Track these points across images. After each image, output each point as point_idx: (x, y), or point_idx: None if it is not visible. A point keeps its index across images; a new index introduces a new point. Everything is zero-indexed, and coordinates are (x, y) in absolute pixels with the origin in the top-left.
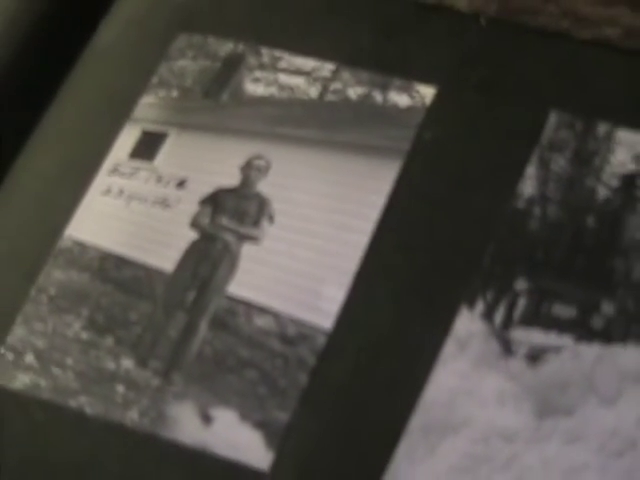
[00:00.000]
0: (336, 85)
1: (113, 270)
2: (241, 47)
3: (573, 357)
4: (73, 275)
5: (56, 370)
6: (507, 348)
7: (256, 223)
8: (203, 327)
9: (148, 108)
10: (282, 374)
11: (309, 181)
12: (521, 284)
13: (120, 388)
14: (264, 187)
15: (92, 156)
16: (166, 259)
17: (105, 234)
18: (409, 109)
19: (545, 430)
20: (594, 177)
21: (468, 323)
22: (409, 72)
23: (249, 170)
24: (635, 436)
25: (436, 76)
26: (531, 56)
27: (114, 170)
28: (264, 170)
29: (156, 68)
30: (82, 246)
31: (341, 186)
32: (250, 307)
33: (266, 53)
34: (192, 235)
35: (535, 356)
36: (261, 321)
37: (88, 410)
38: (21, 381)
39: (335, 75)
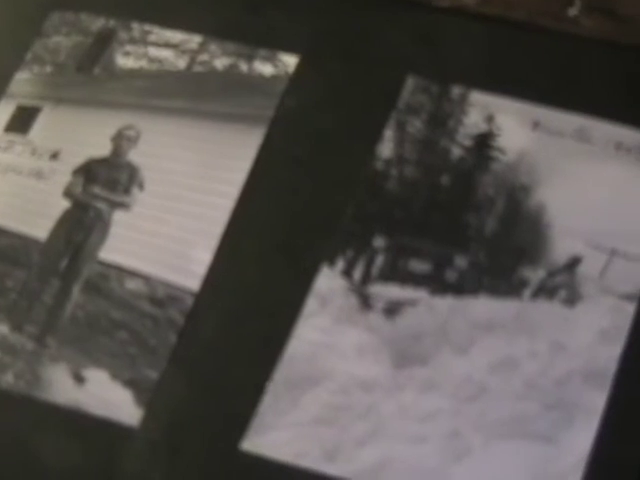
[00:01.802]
0: (203, 57)
1: None
2: (112, 22)
3: (428, 309)
4: None
5: None
6: (366, 303)
7: (127, 191)
8: (76, 292)
9: (23, 84)
10: (152, 334)
11: (178, 149)
12: (379, 242)
13: None
14: (134, 156)
15: None
16: (41, 228)
17: None
18: (273, 78)
19: (401, 379)
20: (448, 138)
21: (329, 280)
22: (273, 43)
23: (120, 140)
24: (486, 381)
25: (299, 46)
26: (390, 25)
27: None
28: (134, 140)
29: (30, 45)
30: None
31: (208, 153)
32: (121, 271)
33: (136, 27)
34: (65, 204)
35: (392, 309)
36: (132, 284)
37: None
38: None
39: (202, 47)
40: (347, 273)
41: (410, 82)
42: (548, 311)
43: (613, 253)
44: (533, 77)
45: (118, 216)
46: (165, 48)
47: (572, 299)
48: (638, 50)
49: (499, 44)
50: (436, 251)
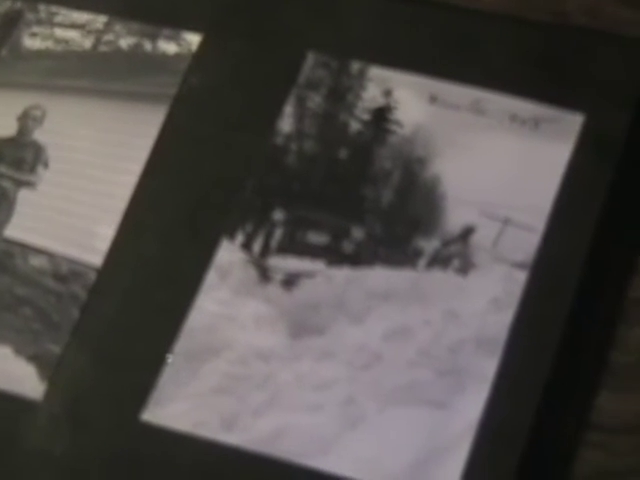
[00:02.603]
0: (108, 37)
1: None
2: (19, 4)
3: (325, 280)
4: None
5: None
6: (264, 275)
7: (32, 169)
8: None
9: None
10: (55, 310)
11: (82, 128)
12: (278, 215)
13: None
14: (40, 135)
15: None
16: None
17: None
18: (176, 56)
19: (298, 349)
20: (347, 112)
21: (229, 253)
22: (177, 22)
23: (25, 120)
24: (381, 350)
25: (202, 24)
26: (291, 2)
27: None
28: (39, 119)
29: None
30: None
31: (112, 132)
32: (25, 248)
33: (43, 9)
34: None
35: (290, 281)
36: (36, 261)
37: None
38: None
39: (107, 27)
40: (247, 246)
41: (310, 58)
42: (442, 280)
43: (506, 222)
44: (431, 52)
45: (23, 194)
46: (71, 29)
47: (465, 268)
48: (534, 25)
49: (398, 19)
50: (333, 223)
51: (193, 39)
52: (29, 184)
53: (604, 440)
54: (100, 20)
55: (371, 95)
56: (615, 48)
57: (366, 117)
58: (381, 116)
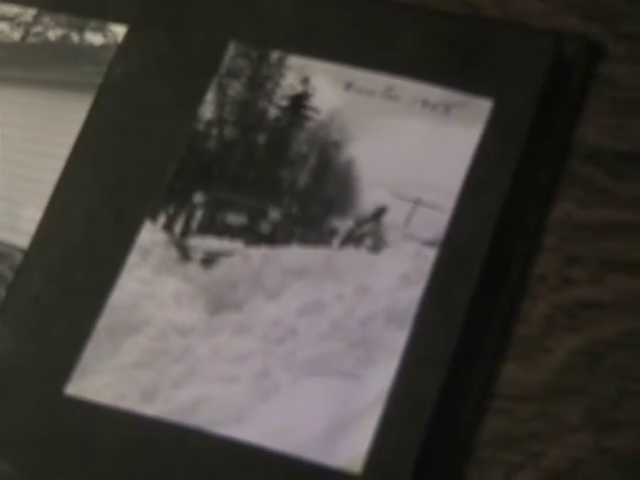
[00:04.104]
0: (37, 29)
1: None
2: None
3: (243, 259)
4: None
5: None
6: (185, 255)
7: None
8: None
9: None
10: None
11: (12, 116)
12: (199, 197)
13: None
14: None
15: None
16: None
17: None
18: (102, 47)
19: (216, 324)
20: (266, 99)
21: (151, 234)
22: (104, 14)
23: None
24: (295, 324)
25: (128, 16)
26: None
27: None
28: None
29: None
30: None
31: (40, 119)
32: None
33: None
34: None
35: (209, 260)
36: None
37: None
38: None
39: (36, 19)
40: (168, 227)
41: (231, 48)
42: (355, 258)
43: (417, 203)
44: (347, 40)
45: None
46: (1, 21)
47: (377, 246)
48: (445, 14)
49: (316, 10)
50: (252, 205)
51: (119, 30)
52: None
53: (507, 407)
54: (29, 13)
55: (289, 83)
56: (522, 37)
57: (284, 104)
58: (298, 103)
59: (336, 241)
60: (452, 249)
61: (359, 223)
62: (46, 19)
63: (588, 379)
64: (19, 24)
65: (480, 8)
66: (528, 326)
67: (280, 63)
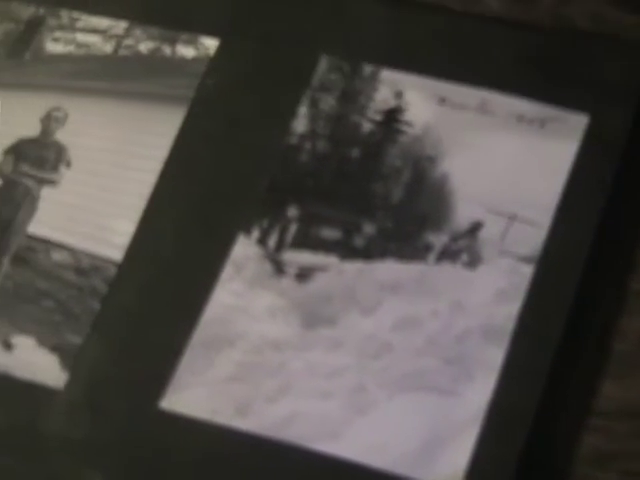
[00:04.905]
0: (129, 41)
1: None
2: (42, 10)
3: (337, 274)
4: None
5: None
6: (279, 269)
7: (54, 168)
8: (5, 264)
9: None
10: (76, 302)
11: (103, 129)
12: (292, 211)
13: None
14: (62, 136)
15: None
16: None
17: None
18: (194, 60)
19: (310, 339)
20: (359, 113)
21: (244, 248)
22: (195, 27)
23: (48, 121)
24: (390, 340)
25: (219, 29)
26: (304, 7)
27: None
28: (62, 120)
29: None
30: None
31: (132, 131)
32: (48, 244)
33: (65, 15)
34: None
35: (304, 275)
36: (58, 256)
37: None
38: None
39: (128, 32)
40: (262, 241)
41: (323, 61)
42: (450, 273)
43: (512, 218)
44: (440, 55)
45: (46, 192)
46: (92, 34)
47: (473, 262)
48: (538, 28)
49: (408, 24)
50: (346, 219)
51: (210, 43)
52: (51, 182)
53: (605, 425)
54: (121, 25)
55: (382, 97)
56: (617, 51)
57: (377, 118)
58: (392, 117)
59: (431, 256)
60: (548, 265)
61: (454, 238)
62: (137, 32)
63: None
64: (111, 37)
65: (574, 21)
66: (625, 342)
67: (373, 77)
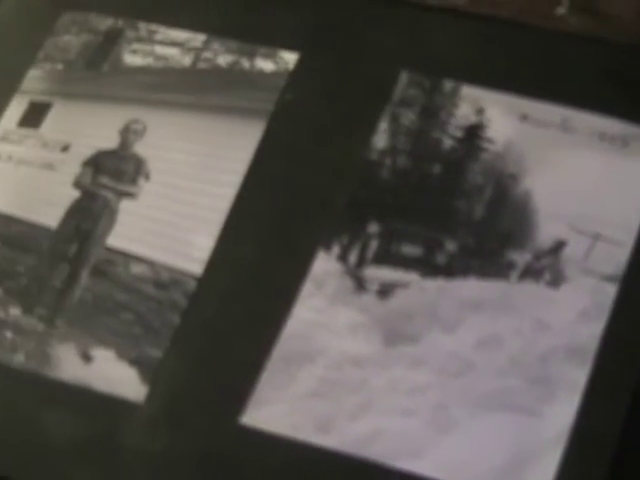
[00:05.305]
0: (207, 54)
1: (2, 228)
2: (120, 22)
3: (419, 291)
4: None
5: None
6: (360, 285)
7: (133, 181)
8: (84, 276)
9: (35, 81)
10: (156, 316)
11: (182, 142)
12: (373, 227)
13: (8, 334)
14: (140, 148)
15: None
16: (51, 216)
17: None
18: (273, 74)
19: (392, 356)
20: (440, 129)
21: (325, 264)
22: (274, 40)
23: (127, 133)
24: (472, 358)
25: (298, 43)
26: (385, 22)
27: (4, 138)
28: (140, 133)
29: (42, 43)
30: None
31: (211, 145)
32: (127, 257)
33: (143, 27)
34: (75, 194)
35: (385, 291)
36: (137, 269)
37: None
38: None
39: (206, 45)
40: (342, 257)
41: (404, 77)
42: (533, 292)
43: (596, 237)
44: (521, 72)
45: (125, 205)
46: (171, 46)
47: (556, 281)
48: (620, 46)
49: (488, 41)
50: (427, 236)
51: (289, 57)
52: (130, 195)
53: None
54: (199, 38)
55: (463, 113)
56: None
57: (458, 134)
58: (473, 133)
59: (514, 274)
60: (632, 284)
61: (537, 257)
62: (216, 45)
63: None
64: (189, 49)
65: None
66: None
67: (454, 93)
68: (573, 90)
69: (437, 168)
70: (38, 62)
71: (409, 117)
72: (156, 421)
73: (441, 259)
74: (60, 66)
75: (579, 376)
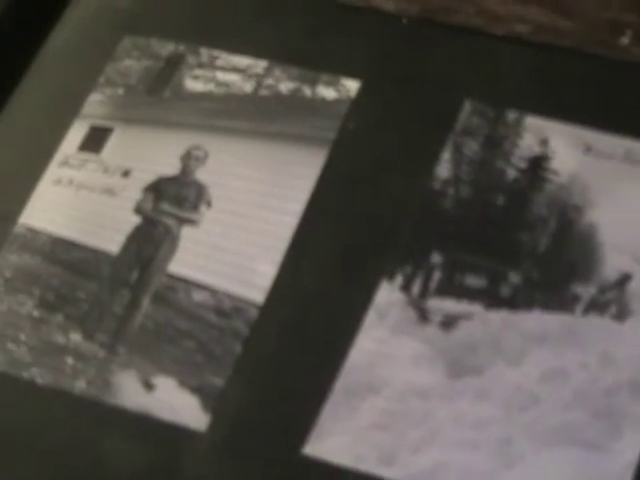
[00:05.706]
0: (269, 81)
1: (63, 253)
2: (182, 47)
3: (482, 323)
4: (26, 259)
5: (11, 345)
6: (423, 316)
7: (195, 208)
8: (145, 303)
9: (96, 105)
10: (217, 344)
11: (243, 168)
12: (436, 258)
13: (69, 360)
14: (202, 175)
15: (44, 150)
16: (112, 242)
17: (56, 221)
18: (335, 101)
19: (456, 389)
20: (503, 160)
21: (387, 294)
22: (336, 68)
23: (188, 159)
24: (537, 392)
25: (361, 71)
26: (448, 51)
27: (64, 162)
28: (202, 159)
29: (103, 68)
30: (34, 232)
31: (273, 172)
32: (189, 284)
33: (205, 53)
34: (136, 220)
35: (448, 323)
36: (199, 296)
37: (39, 380)
38: None
39: (268, 72)
40: (405, 288)
41: (467, 106)
42: (598, 325)
43: None
44: (584, 102)
45: (186, 231)
46: (232, 72)
47: (622, 314)
48: None
49: (552, 71)
50: (491, 267)
51: (352, 85)
52: (192, 222)
53: None
54: (260, 65)
55: (527, 144)
56: None
57: (522, 165)
58: (538, 164)
59: (579, 308)
60: None
61: (602, 290)
62: (277, 71)
63: None
64: (250, 76)
65: None
66: None
67: (517, 123)
68: (636, 121)
69: (501, 199)
70: (99, 87)
71: (472, 147)
72: (218, 450)
73: (505, 291)
74: (121, 91)
75: None
